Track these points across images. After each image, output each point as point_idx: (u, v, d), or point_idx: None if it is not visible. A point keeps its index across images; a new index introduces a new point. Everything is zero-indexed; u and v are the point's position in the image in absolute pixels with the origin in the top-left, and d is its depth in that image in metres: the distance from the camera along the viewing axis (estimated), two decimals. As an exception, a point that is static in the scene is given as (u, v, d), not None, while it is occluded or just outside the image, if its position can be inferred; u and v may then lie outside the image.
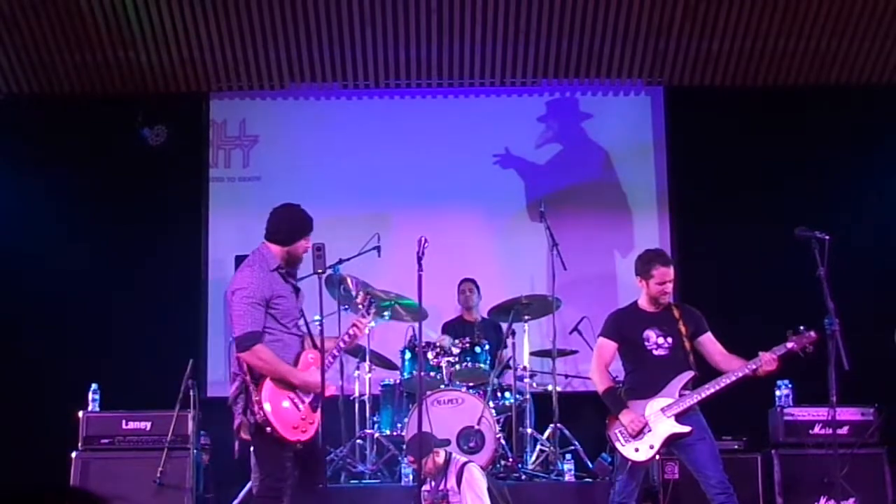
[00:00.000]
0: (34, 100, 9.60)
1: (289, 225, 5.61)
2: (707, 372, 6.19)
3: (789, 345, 5.96)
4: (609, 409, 6.20)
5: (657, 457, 6.28)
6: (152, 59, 9.33)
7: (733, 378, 5.98)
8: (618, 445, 6.13)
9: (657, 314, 6.23)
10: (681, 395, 6.05)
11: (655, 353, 6.16)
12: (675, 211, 9.64)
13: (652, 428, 6.04)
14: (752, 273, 9.17)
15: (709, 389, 6.02)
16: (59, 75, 9.47)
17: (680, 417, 6.02)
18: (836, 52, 9.38)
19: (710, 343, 6.22)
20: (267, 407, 5.31)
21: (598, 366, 6.29)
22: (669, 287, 6.22)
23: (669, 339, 6.16)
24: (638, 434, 6.03)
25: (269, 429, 5.31)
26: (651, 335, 6.18)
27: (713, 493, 5.95)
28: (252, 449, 5.67)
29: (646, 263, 6.25)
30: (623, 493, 6.13)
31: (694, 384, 6.11)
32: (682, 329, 6.17)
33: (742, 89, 9.68)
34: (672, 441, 6.06)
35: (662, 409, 6.04)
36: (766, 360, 5.94)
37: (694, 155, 9.55)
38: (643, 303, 6.29)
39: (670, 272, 6.20)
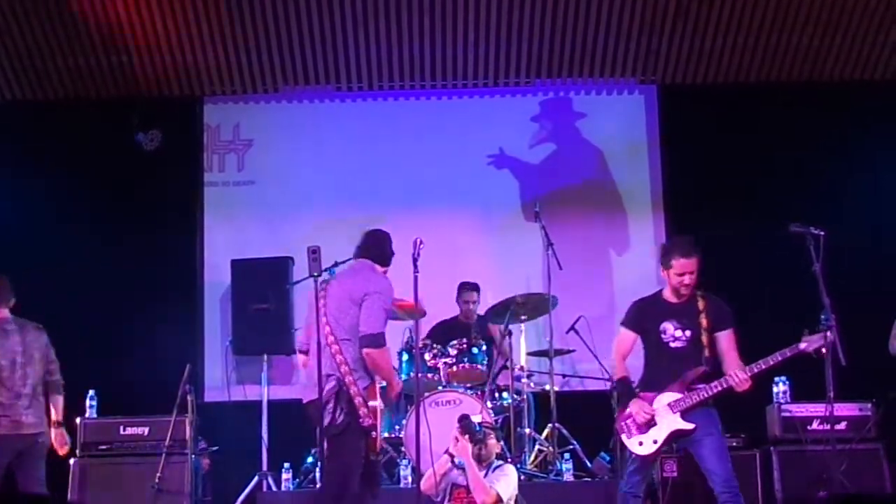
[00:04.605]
0: (28, 105, 9.59)
1: (390, 250, 6.04)
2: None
3: (802, 346, 5.81)
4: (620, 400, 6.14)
5: (662, 451, 6.12)
6: (145, 63, 9.33)
7: (717, 389, 5.88)
8: (623, 437, 6.04)
9: (679, 305, 6.05)
10: (689, 391, 5.92)
11: (672, 345, 6.01)
12: (670, 209, 9.64)
13: (658, 422, 5.94)
14: (748, 270, 9.16)
15: (713, 389, 5.90)
16: (53, 81, 9.46)
17: (686, 413, 5.90)
18: (829, 47, 9.39)
19: (723, 341, 6.03)
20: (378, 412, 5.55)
21: (616, 355, 6.18)
22: (689, 279, 5.99)
23: (688, 332, 5.99)
24: (645, 426, 5.95)
25: (374, 434, 5.54)
26: (669, 327, 6.02)
27: (717, 491, 5.86)
28: (332, 449, 5.61)
29: (666, 254, 6.06)
30: (629, 483, 6.05)
31: (709, 380, 5.95)
32: (704, 322, 5.99)
33: (735, 86, 9.68)
34: (676, 437, 5.97)
35: (669, 405, 5.93)
36: (738, 381, 5.83)
37: (688, 152, 9.55)
38: (667, 293, 6.11)
39: (690, 264, 5.97)
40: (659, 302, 6.14)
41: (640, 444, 5.98)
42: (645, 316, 6.15)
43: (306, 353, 5.89)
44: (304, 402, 5.76)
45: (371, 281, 5.77)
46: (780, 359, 5.86)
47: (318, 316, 5.69)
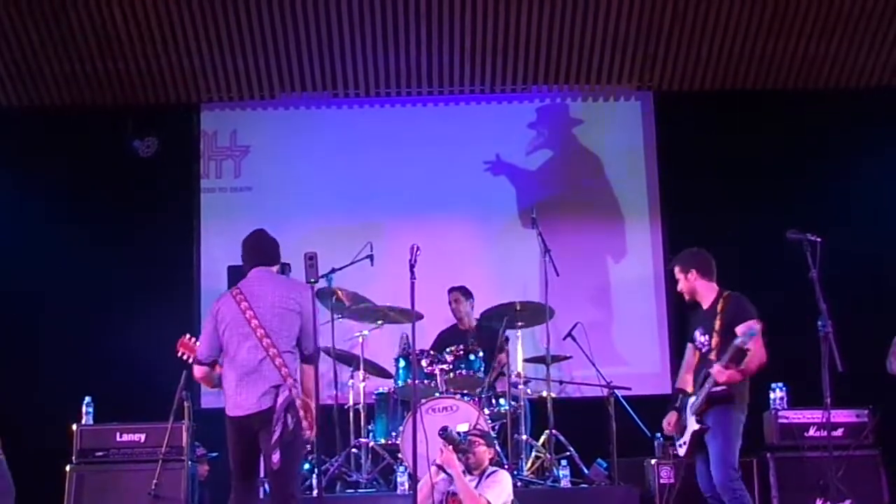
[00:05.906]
0: (24, 111, 9.59)
1: (276, 247, 5.92)
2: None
3: (737, 342, 5.98)
4: None
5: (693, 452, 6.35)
6: (142, 69, 9.33)
7: (707, 387, 6.09)
8: (677, 444, 6.39)
9: (707, 312, 6.36)
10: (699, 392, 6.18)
11: (704, 351, 6.31)
12: (667, 215, 9.65)
13: (686, 426, 6.25)
14: (745, 276, 9.14)
15: (706, 389, 6.10)
16: (49, 86, 9.46)
17: (702, 414, 6.14)
18: (824, 54, 9.41)
19: None
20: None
21: (682, 366, 6.53)
22: (680, 286, 6.43)
23: (708, 336, 6.28)
24: (681, 431, 6.26)
25: (310, 445, 5.59)
26: (697, 335, 6.37)
27: (715, 493, 6.03)
28: (285, 457, 5.51)
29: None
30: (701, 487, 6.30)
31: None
32: (717, 323, 6.23)
33: (731, 93, 9.70)
34: (698, 437, 6.18)
35: (690, 407, 6.22)
36: (715, 373, 6.04)
37: (685, 159, 9.56)
38: None
39: (676, 272, 6.44)
40: (697, 311, 6.48)
41: (681, 445, 6.31)
42: (689, 326, 6.52)
43: (210, 365, 5.77)
44: (246, 414, 5.55)
45: (304, 292, 5.69)
46: (732, 352, 5.99)
47: (249, 325, 5.56)
